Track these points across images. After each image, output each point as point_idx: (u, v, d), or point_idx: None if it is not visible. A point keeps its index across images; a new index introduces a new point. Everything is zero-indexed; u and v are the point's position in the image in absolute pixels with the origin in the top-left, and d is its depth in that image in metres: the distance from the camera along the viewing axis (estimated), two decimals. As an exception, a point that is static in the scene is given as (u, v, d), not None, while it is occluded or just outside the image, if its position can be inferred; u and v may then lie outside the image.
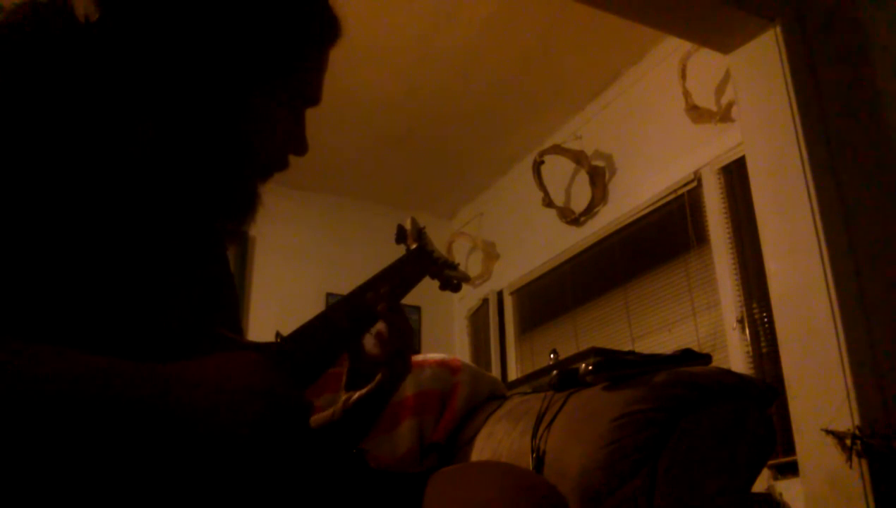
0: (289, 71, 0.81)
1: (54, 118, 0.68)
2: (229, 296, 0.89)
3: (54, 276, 0.65)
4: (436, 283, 1.09)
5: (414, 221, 1.08)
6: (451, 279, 1.09)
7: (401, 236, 1.08)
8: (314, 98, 0.85)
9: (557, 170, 3.77)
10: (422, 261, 1.04)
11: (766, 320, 2.63)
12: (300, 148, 0.86)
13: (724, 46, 2.37)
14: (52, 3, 0.73)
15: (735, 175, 2.87)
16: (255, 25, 0.77)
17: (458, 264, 1.14)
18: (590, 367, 1.17)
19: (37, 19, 0.72)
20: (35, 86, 0.67)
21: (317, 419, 1.00)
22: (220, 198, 0.81)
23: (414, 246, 1.05)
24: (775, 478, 2.44)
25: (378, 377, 0.97)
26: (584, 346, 3.42)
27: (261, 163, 0.83)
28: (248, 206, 0.83)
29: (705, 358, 1.24)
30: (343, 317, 0.88)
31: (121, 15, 0.74)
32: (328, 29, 0.84)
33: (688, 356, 1.23)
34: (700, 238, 3.01)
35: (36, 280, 0.64)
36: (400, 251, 1.07)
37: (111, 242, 0.69)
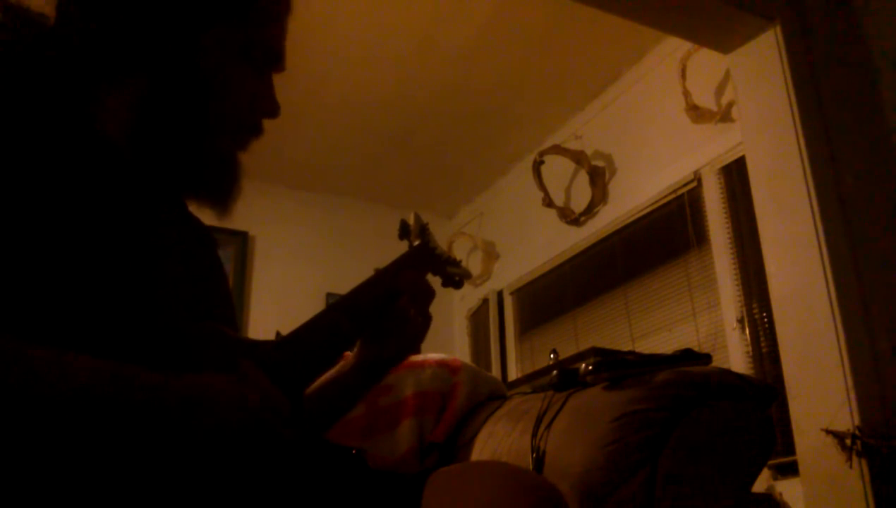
0: (236, 18, 0.81)
1: (22, 117, 0.68)
2: (223, 293, 0.89)
3: (48, 275, 0.65)
4: (437, 281, 1.09)
5: (417, 217, 1.08)
6: (454, 276, 1.08)
7: (404, 232, 1.07)
8: (273, 52, 0.86)
9: (557, 170, 3.77)
10: (424, 258, 1.04)
11: (766, 320, 2.63)
12: (271, 108, 0.86)
13: (724, 46, 2.37)
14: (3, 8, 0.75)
15: (735, 175, 2.87)
16: None
17: (461, 261, 1.14)
18: (590, 367, 1.17)
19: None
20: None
21: (332, 374, 1.01)
22: (200, 162, 0.81)
23: (417, 242, 1.05)
24: (775, 478, 2.44)
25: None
26: (584, 346, 3.41)
27: (235, 125, 0.83)
28: (229, 171, 0.83)
29: (705, 358, 1.24)
30: (343, 316, 0.88)
31: (71, 8, 0.77)
32: None
33: (688, 356, 1.23)
34: (700, 238, 3.01)
35: (29, 278, 0.64)
36: (402, 248, 1.06)
37: (103, 239, 0.69)
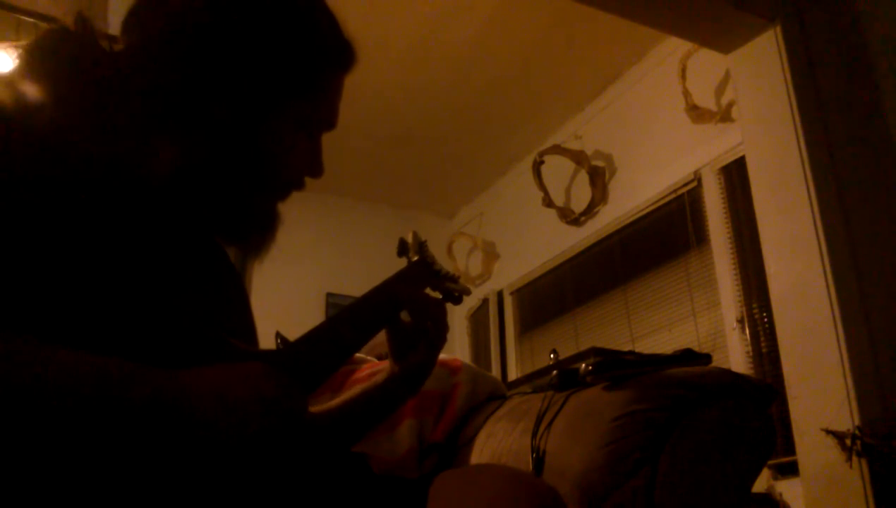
0: (306, 96, 0.83)
1: (75, 135, 0.69)
2: (241, 307, 0.90)
3: (70, 283, 0.65)
4: (437, 294, 1.11)
5: (415, 234, 1.10)
6: (453, 292, 1.10)
7: (402, 249, 1.09)
8: (330, 122, 0.88)
9: (557, 170, 3.77)
10: (423, 274, 1.06)
11: (766, 320, 2.63)
12: (316, 170, 0.89)
13: (724, 46, 2.37)
14: (78, 30, 0.76)
15: (735, 175, 2.87)
16: (273, 52, 0.80)
17: (460, 277, 1.15)
18: (590, 367, 1.17)
19: (64, 44, 0.75)
20: (57, 105, 0.69)
21: (365, 386, 1.02)
22: (241, 216, 0.84)
23: (415, 258, 1.07)
24: (775, 478, 2.44)
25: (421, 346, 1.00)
26: (584, 346, 3.41)
27: (280, 183, 0.86)
28: (268, 225, 0.87)
29: (705, 358, 1.24)
30: (346, 327, 0.89)
31: (145, 43, 0.78)
32: (343, 56, 0.87)
33: (688, 356, 1.23)
34: (700, 238, 3.01)
35: (52, 286, 0.64)
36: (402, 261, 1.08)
37: (127, 253, 0.70)
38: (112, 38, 0.78)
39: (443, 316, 0.99)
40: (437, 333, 0.98)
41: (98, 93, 0.73)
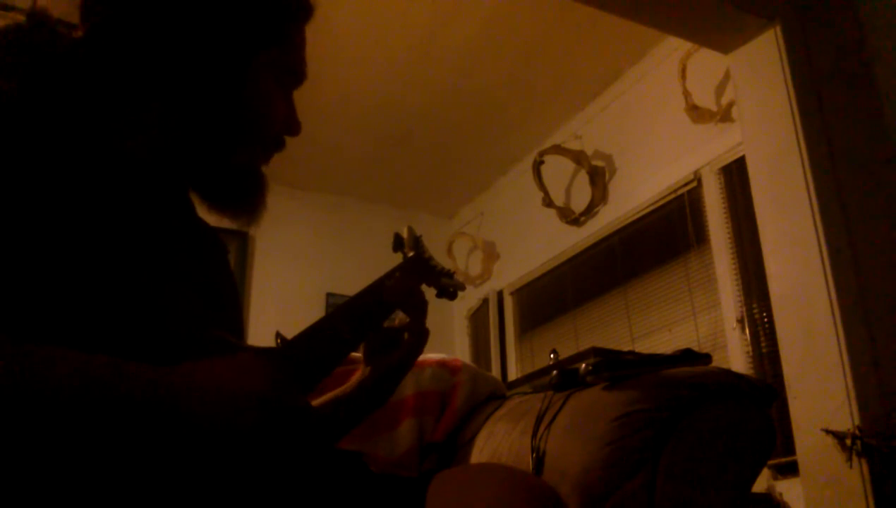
0: (274, 45, 0.85)
1: (51, 125, 0.69)
2: (231, 301, 0.90)
3: (58, 279, 0.65)
4: (431, 292, 1.11)
5: (410, 230, 1.10)
6: (448, 287, 1.10)
7: (398, 244, 1.09)
8: (300, 74, 0.90)
9: (557, 170, 3.77)
10: (418, 269, 1.05)
11: (766, 320, 2.63)
12: (294, 127, 0.90)
13: (724, 46, 2.37)
14: (34, 22, 0.77)
15: (735, 175, 2.87)
16: (237, 4, 0.81)
17: (455, 272, 1.16)
18: (590, 367, 1.17)
19: (25, 35, 0.75)
20: (29, 96, 0.69)
21: (337, 393, 1.01)
22: (230, 179, 0.85)
23: (411, 253, 1.07)
24: (775, 478, 2.44)
25: (398, 350, 0.99)
26: (584, 346, 3.41)
27: (262, 141, 0.87)
28: (257, 186, 0.87)
29: (705, 358, 1.24)
30: (343, 324, 0.89)
31: (108, 22, 0.78)
32: (303, 4, 0.89)
33: (688, 356, 1.23)
34: (700, 238, 3.01)
35: (39, 283, 0.64)
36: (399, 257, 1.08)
37: (114, 245, 0.70)
38: (70, 25, 0.79)
39: (422, 320, 0.98)
40: (421, 337, 0.98)
41: (64, 80, 0.73)
